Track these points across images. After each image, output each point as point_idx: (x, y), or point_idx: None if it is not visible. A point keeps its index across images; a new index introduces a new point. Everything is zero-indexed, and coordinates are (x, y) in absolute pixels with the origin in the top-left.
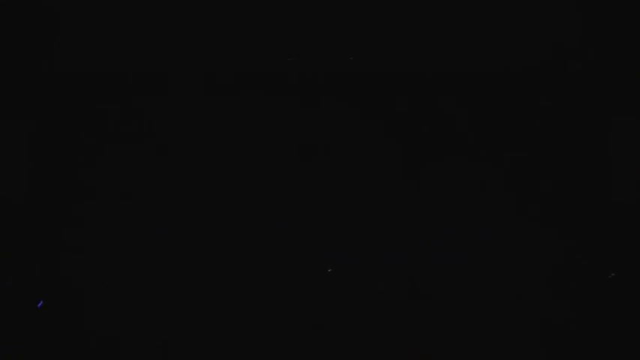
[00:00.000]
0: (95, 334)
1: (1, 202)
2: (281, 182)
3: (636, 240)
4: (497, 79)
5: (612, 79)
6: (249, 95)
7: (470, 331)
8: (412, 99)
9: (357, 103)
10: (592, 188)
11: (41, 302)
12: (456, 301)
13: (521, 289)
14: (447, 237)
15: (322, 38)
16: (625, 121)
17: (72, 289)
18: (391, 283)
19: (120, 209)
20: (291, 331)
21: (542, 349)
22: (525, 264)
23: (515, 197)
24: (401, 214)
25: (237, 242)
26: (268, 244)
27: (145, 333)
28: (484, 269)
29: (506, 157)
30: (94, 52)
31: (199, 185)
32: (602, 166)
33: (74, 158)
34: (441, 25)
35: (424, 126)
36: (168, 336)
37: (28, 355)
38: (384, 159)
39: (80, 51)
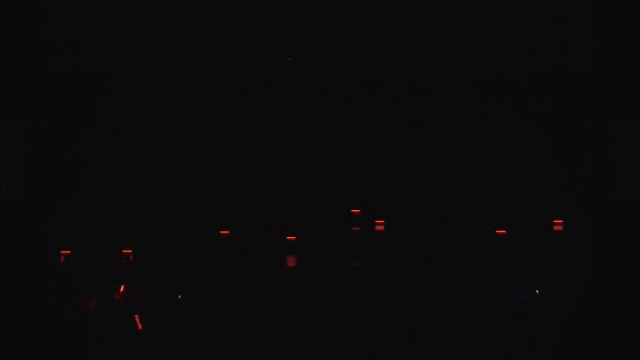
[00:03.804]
0: (95, 333)
1: (1, 202)
2: (281, 181)
3: (636, 240)
4: (497, 80)
5: (612, 79)
6: (249, 95)
7: (470, 329)
8: (413, 99)
9: (358, 102)
10: (592, 188)
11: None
12: (457, 300)
13: (522, 289)
14: (447, 237)
15: (322, 38)
16: (625, 121)
17: (71, 289)
18: (391, 282)
19: (119, 209)
20: (291, 330)
21: (542, 349)
22: (525, 264)
23: (515, 197)
24: (401, 214)
25: (236, 242)
26: (268, 245)
27: (144, 332)
28: (484, 269)
29: (506, 157)
30: (93, 52)
31: (198, 184)
32: (602, 166)
33: (74, 158)
34: (444, 26)
35: (425, 126)
36: (167, 335)
37: (28, 354)
38: (385, 159)
39: (80, 51)
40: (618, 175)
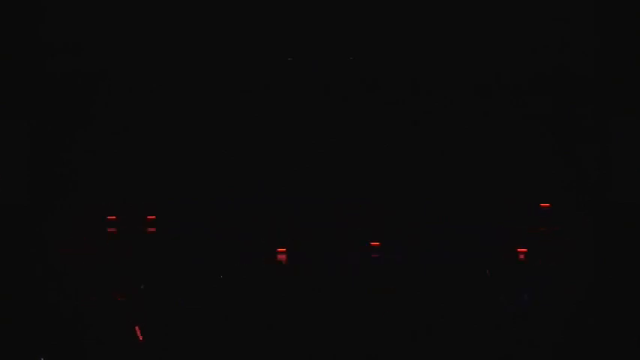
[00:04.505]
0: (94, 333)
1: (1, 202)
2: (281, 181)
3: (636, 240)
4: (497, 80)
5: (612, 79)
6: (249, 95)
7: (470, 329)
8: (413, 99)
9: (358, 102)
10: (592, 188)
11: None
12: (457, 300)
13: (522, 289)
14: (447, 237)
15: (322, 38)
16: (625, 121)
17: (71, 289)
18: (391, 282)
19: (119, 208)
20: (291, 330)
21: (542, 349)
22: (525, 264)
23: (515, 197)
24: (402, 214)
25: (235, 244)
26: (268, 246)
27: (143, 330)
28: (484, 269)
29: (506, 157)
30: (93, 52)
31: (198, 184)
32: (602, 166)
33: (74, 158)
34: (444, 26)
35: (425, 126)
36: (167, 335)
37: (28, 354)
38: (385, 159)
39: (80, 51)
40: (618, 175)
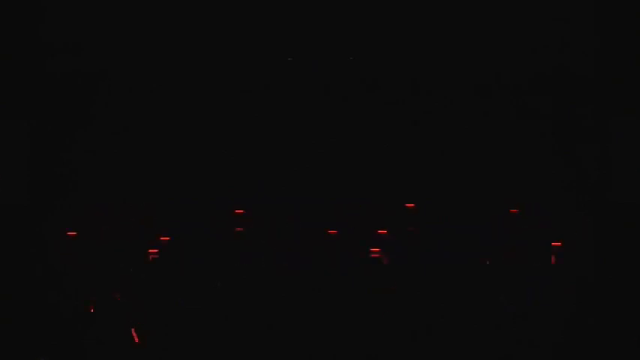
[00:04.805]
0: (94, 333)
1: (1, 202)
2: (281, 181)
3: (636, 240)
4: (497, 80)
5: (612, 79)
6: (249, 95)
7: (470, 329)
8: (413, 99)
9: (358, 102)
10: (592, 188)
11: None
12: (457, 300)
13: (521, 289)
14: (447, 237)
15: (322, 38)
16: (625, 121)
17: (71, 289)
18: (391, 282)
19: (119, 208)
20: (291, 330)
21: (542, 349)
22: (525, 264)
23: (515, 197)
24: (401, 214)
25: (235, 245)
26: (267, 246)
27: (143, 330)
28: (484, 269)
29: (506, 157)
30: (93, 52)
31: (199, 184)
32: (602, 166)
33: (74, 158)
34: (444, 26)
35: (425, 126)
36: (167, 335)
37: (28, 354)
38: (385, 158)
39: (80, 51)
40: (618, 175)
